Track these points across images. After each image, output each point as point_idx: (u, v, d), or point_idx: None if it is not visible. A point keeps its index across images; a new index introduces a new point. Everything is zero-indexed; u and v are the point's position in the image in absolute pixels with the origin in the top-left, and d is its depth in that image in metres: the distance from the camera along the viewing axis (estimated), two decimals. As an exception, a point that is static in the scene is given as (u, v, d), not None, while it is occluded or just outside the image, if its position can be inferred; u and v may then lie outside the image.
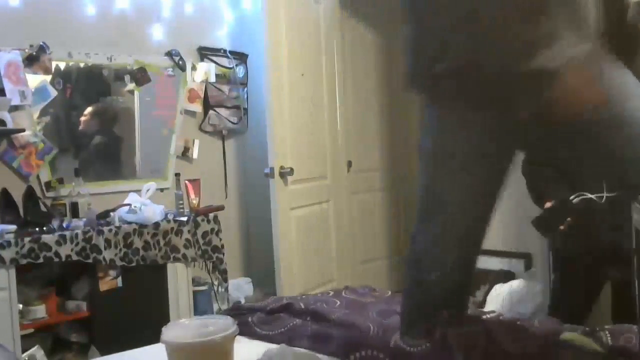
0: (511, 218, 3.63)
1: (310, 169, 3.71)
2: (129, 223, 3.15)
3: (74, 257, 2.90)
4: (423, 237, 1.45)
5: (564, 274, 2.71)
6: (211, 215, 3.52)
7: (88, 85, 3.51)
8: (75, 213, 3.16)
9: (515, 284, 3.43)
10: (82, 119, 3.49)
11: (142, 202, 3.23)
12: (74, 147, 3.47)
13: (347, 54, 4.22)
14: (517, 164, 1.64)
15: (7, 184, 3.08)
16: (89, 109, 3.51)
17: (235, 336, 1.41)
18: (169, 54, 3.79)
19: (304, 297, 2.06)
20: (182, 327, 1.47)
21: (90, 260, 2.96)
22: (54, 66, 3.30)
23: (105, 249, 3.00)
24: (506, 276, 3.68)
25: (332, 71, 3.95)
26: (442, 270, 1.41)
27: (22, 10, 3.21)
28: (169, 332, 1.41)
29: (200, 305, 3.44)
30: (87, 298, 3.03)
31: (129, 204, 3.20)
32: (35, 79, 3.22)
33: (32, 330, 2.84)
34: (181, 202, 3.51)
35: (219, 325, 1.41)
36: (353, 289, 2.12)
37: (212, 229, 3.51)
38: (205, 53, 3.99)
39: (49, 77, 3.28)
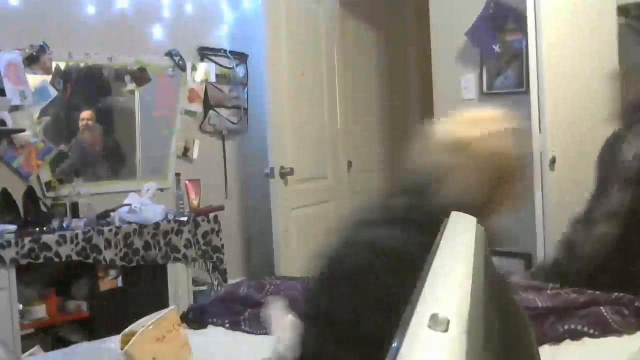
0: (511, 218, 3.62)
1: (310, 169, 3.70)
2: (129, 223, 3.15)
3: (74, 257, 2.90)
4: None
5: None
6: (211, 215, 3.52)
7: (88, 85, 3.51)
8: (75, 213, 3.16)
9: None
10: (81, 123, 3.48)
11: (142, 202, 3.23)
12: (74, 147, 3.47)
13: (347, 53, 4.22)
14: None
15: (7, 184, 3.08)
16: (86, 113, 3.49)
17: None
18: (169, 54, 3.78)
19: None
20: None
21: (90, 260, 2.96)
22: (54, 66, 3.29)
23: (105, 249, 3.00)
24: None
25: (332, 71, 3.95)
26: None
27: (22, 10, 3.21)
28: None
29: (201, 305, 3.44)
30: (87, 298, 3.03)
31: (129, 204, 3.20)
32: (35, 79, 3.21)
33: (32, 330, 2.85)
34: (181, 202, 3.51)
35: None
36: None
37: (212, 229, 3.51)
38: (205, 53, 3.99)
39: (49, 77, 3.28)
